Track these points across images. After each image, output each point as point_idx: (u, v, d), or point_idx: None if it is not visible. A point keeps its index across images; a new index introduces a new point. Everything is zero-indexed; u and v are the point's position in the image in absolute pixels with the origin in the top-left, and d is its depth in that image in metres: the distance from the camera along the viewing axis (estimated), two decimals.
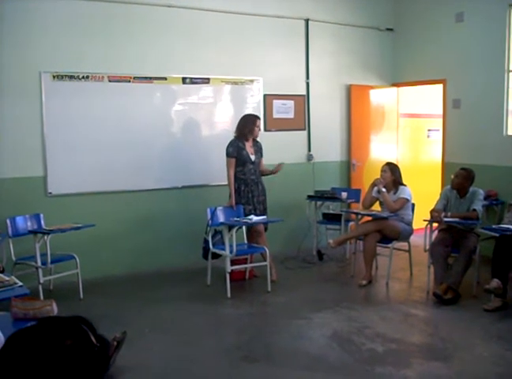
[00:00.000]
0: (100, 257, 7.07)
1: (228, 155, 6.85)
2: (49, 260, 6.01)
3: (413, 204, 7.04)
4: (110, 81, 7.10)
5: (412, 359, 4.60)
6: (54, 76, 6.76)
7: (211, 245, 6.62)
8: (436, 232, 6.63)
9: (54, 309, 3.52)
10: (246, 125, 6.92)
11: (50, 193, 6.85)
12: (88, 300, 6.15)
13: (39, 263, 5.94)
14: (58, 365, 1.32)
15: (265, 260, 6.64)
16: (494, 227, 6.18)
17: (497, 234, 6.03)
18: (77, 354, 1.35)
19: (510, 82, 7.71)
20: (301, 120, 8.63)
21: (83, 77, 6.93)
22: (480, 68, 7.97)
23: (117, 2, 7.05)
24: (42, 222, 6.51)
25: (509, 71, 7.68)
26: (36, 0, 6.61)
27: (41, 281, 5.96)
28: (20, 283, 3.91)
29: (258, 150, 7.01)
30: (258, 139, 7.08)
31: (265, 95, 8.24)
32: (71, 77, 6.86)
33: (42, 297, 5.79)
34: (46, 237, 6.05)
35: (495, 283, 5.63)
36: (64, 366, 1.33)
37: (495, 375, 4.34)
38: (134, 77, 7.24)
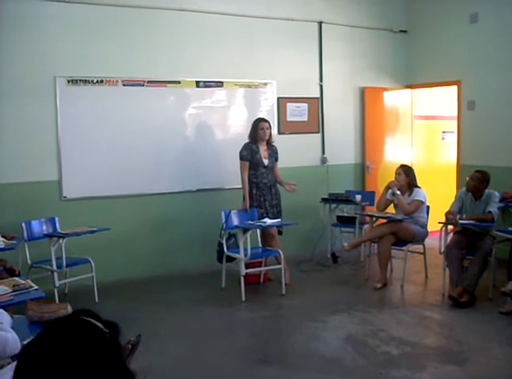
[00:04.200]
0: (115, 261, 7.10)
1: (242, 158, 6.86)
2: (64, 264, 6.04)
3: (428, 207, 7.00)
4: (124, 85, 7.14)
5: (428, 362, 4.58)
6: (68, 81, 6.80)
7: (225, 249, 6.62)
8: (451, 234, 6.60)
9: (69, 312, 3.54)
10: (252, 130, 6.95)
11: (65, 197, 6.89)
12: (103, 303, 6.18)
13: (55, 266, 5.97)
14: (76, 365, 1.32)
15: (279, 264, 6.64)
16: (510, 229, 6.12)
17: None
18: (90, 348, 1.34)
19: None
20: (315, 123, 8.62)
21: (97, 82, 6.97)
22: (495, 69, 7.92)
23: (130, 7, 7.08)
24: (57, 226, 6.54)
25: None
26: (51, 5, 6.66)
27: (56, 284, 5.99)
28: (36, 287, 3.94)
29: (273, 154, 7.00)
30: (274, 143, 7.08)
31: (278, 98, 8.24)
32: (85, 82, 6.90)
33: (57, 300, 5.80)
34: (61, 240, 6.08)
35: (511, 285, 5.59)
36: (82, 363, 1.33)
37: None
38: (148, 81, 7.27)
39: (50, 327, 1.41)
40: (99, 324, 1.42)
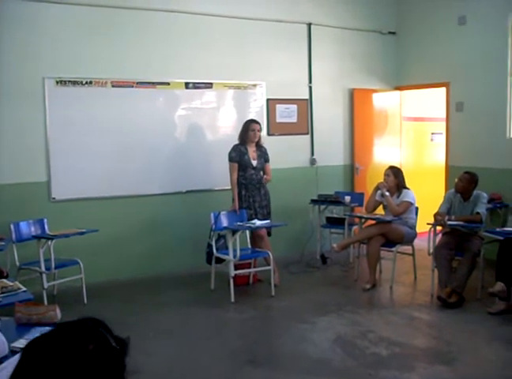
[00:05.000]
0: (104, 262, 7.08)
1: (230, 160, 6.87)
2: (53, 266, 6.01)
3: (417, 208, 7.03)
4: (113, 86, 7.12)
5: (417, 363, 4.60)
6: (57, 82, 6.78)
7: (215, 250, 6.62)
8: (440, 235, 6.63)
9: (57, 314, 3.52)
10: (243, 131, 6.96)
11: (54, 198, 6.86)
12: (92, 305, 6.16)
13: (43, 268, 5.94)
14: (83, 371, 1.32)
15: (268, 265, 6.64)
16: (498, 230, 6.18)
17: (501, 238, 6.03)
18: (100, 359, 1.34)
19: None
20: (304, 124, 8.63)
21: (86, 83, 6.95)
22: (483, 71, 7.97)
23: (120, 8, 7.07)
24: (46, 227, 6.51)
25: (511, 74, 7.67)
26: (39, 6, 6.63)
27: (45, 286, 5.96)
28: (24, 288, 3.92)
29: (262, 155, 7.01)
30: (264, 144, 7.09)
31: (268, 100, 8.24)
32: (74, 83, 6.88)
33: (46, 302, 5.77)
34: (50, 242, 6.06)
35: (499, 286, 5.61)
36: (89, 372, 1.32)
37: (500, 378, 4.33)
38: (137, 82, 7.26)
39: (66, 328, 1.40)
40: (111, 340, 1.41)
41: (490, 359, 4.67)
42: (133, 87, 7.25)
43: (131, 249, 7.31)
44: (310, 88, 8.66)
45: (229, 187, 6.96)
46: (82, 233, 6.22)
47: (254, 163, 6.91)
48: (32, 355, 1.32)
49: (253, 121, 7.05)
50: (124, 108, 7.22)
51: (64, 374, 1.28)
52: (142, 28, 7.27)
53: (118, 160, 7.19)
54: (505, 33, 7.64)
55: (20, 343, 2.98)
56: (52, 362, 1.28)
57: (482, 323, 5.49)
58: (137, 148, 7.29)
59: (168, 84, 7.47)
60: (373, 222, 7.02)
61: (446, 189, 8.15)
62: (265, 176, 7.02)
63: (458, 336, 5.18)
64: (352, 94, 9.00)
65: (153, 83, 7.37)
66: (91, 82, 6.98)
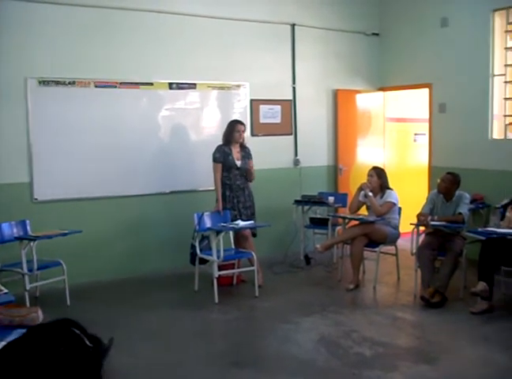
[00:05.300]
0: (87, 263, 7.03)
1: (214, 160, 6.86)
2: (35, 267, 5.96)
3: (400, 208, 7.06)
4: (96, 87, 7.09)
5: (400, 362, 4.62)
6: (39, 82, 6.74)
7: (198, 251, 6.60)
8: (423, 236, 6.66)
9: (39, 316, 3.49)
10: (227, 131, 6.95)
11: (36, 199, 6.82)
12: (75, 306, 6.11)
13: (25, 270, 5.90)
14: (56, 373, 1.31)
15: (252, 265, 6.64)
16: (480, 230, 6.21)
17: (483, 238, 6.08)
18: (73, 359, 1.33)
19: (495, 86, 7.77)
20: (288, 125, 8.65)
21: (69, 83, 6.91)
22: (465, 72, 8.03)
23: (102, 8, 7.03)
24: (28, 228, 6.45)
25: (493, 75, 7.73)
26: (22, 5, 6.58)
27: (27, 288, 5.92)
28: (6, 290, 3.88)
29: (246, 155, 7.00)
30: (247, 144, 7.09)
31: (251, 100, 8.24)
32: (57, 83, 6.84)
33: (28, 304, 5.75)
34: (32, 243, 6.01)
35: (481, 285, 5.66)
36: (62, 373, 1.31)
37: (482, 377, 4.38)
38: (121, 83, 7.23)
39: (37, 331, 1.39)
40: (85, 339, 1.41)
41: (472, 358, 4.71)
42: (116, 87, 7.22)
43: (114, 250, 7.28)
44: (294, 88, 8.67)
45: (213, 188, 6.95)
46: (65, 234, 6.19)
47: (238, 163, 6.90)
48: (4, 361, 1.32)
49: (238, 122, 7.04)
50: (107, 108, 7.19)
51: (37, 377, 1.27)
52: (126, 29, 7.24)
53: (102, 161, 7.16)
54: (486, 35, 7.69)
55: (1, 345, 2.95)
56: (24, 366, 1.28)
57: (464, 322, 5.53)
58: (120, 149, 7.27)
59: (152, 84, 7.45)
60: (356, 222, 7.04)
61: (429, 189, 8.18)
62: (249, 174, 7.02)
63: (441, 336, 5.22)
64: (335, 95, 9.02)
65: (137, 83, 7.35)
66: (74, 82, 6.94)
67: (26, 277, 5.92)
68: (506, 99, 7.73)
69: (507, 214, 6.25)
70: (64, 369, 1.30)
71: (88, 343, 1.40)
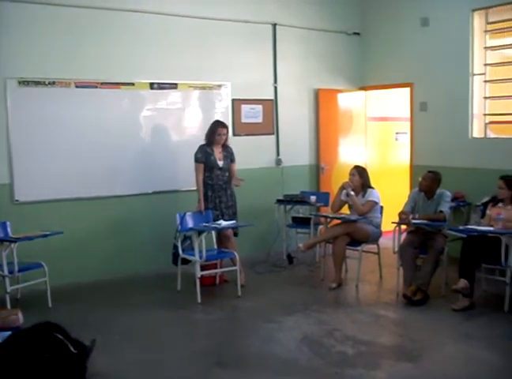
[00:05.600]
0: (69, 265, 6.99)
1: (196, 160, 6.84)
2: (16, 269, 5.92)
3: (382, 207, 7.08)
4: (77, 87, 7.04)
5: (382, 360, 4.65)
6: (19, 82, 6.68)
7: (180, 251, 6.59)
8: (405, 234, 6.69)
9: (19, 318, 3.49)
10: (209, 132, 6.93)
11: (17, 200, 6.76)
12: (57, 308, 6.08)
13: (6, 272, 5.85)
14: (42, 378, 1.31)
15: (234, 265, 6.64)
16: (461, 228, 6.25)
17: (464, 235, 6.13)
18: (57, 365, 1.33)
19: (475, 85, 7.82)
20: (269, 124, 8.65)
21: (49, 83, 6.86)
22: (446, 71, 8.08)
23: (83, 7, 6.98)
24: (8, 230, 6.39)
25: (473, 74, 7.79)
26: (0, 5, 6.53)
27: (8, 290, 5.86)
28: None
29: (228, 155, 6.99)
30: (230, 144, 7.08)
31: (233, 100, 8.24)
32: (37, 83, 6.79)
33: (9, 306, 5.70)
34: (13, 245, 5.96)
35: (463, 283, 5.71)
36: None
37: (464, 373, 4.40)
38: (102, 83, 7.19)
39: (20, 338, 1.39)
40: (69, 345, 1.41)
41: (454, 355, 4.74)
42: (97, 87, 7.18)
43: (97, 251, 7.24)
44: (276, 88, 8.68)
45: (195, 188, 6.93)
46: (46, 235, 6.14)
47: (221, 163, 6.89)
48: None
49: (220, 124, 6.99)
50: (88, 109, 7.14)
51: None
52: (107, 29, 7.20)
53: (83, 161, 7.12)
54: (466, 35, 7.75)
55: None
56: (9, 373, 1.28)
57: (446, 320, 5.58)
58: (102, 149, 7.23)
59: (133, 84, 7.42)
60: (338, 221, 7.06)
61: (411, 188, 8.22)
62: (233, 180, 6.99)
63: (423, 333, 5.25)
64: (317, 94, 9.04)
65: (118, 83, 7.31)
66: (54, 82, 6.89)
67: (7, 279, 5.87)
68: (485, 98, 7.80)
69: (488, 212, 6.30)
70: (49, 376, 1.30)
71: (72, 349, 1.40)
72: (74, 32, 6.99)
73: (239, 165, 7.18)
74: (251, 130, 8.44)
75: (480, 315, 5.66)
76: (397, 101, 9.62)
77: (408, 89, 8.77)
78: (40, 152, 6.86)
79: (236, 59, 8.22)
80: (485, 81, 7.76)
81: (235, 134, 8.11)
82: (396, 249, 6.54)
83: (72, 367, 1.21)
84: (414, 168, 8.60)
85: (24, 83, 6.72)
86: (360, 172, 7.04)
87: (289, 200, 8.10)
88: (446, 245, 6.37)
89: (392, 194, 8.17)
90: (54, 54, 6.87)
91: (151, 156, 7.57)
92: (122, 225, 7.42)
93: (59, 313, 5.81)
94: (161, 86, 7.63)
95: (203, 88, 7.96)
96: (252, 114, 8.45)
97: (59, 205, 6.99)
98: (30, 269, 6.19)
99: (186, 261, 6.65)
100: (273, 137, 8.71)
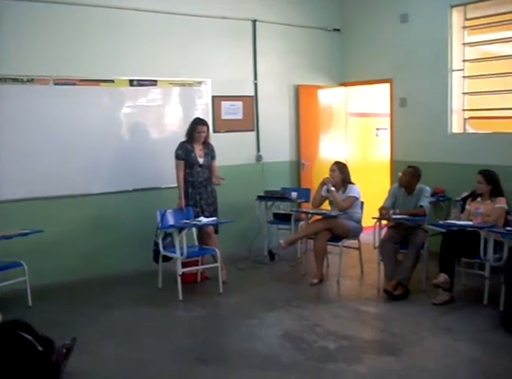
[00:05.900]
0: (49, 263, 6.93)
1: (177, 157, 6.82)
2: None
3: (362, 203, 7.11)
4: (55, 84, 6.98)
5: (364, 355, 4.67)
6: None
7: (161, 248, 6.57)
8: (385, 229, 6.72)
9: None
10: (190, 129, 6.91)
11: None
12: (37, 307, 6.03)
13: None
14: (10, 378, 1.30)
15: (216, 262, 6.63)
16: (441, 222, 6.30)
17: (444, 230, 6.17)
18: (24, 363, 1.32)
19: (454, 81, 7.87)
20: (250, 121, 8.66)
21: (27, 80, 6.80)
22: (425, 67, 8.13)
23: (62, 3, 6.93)
24: None
25: (452, 70, 7.84)
26: None
27: None
28: None
29: (209, 152, 6.97)
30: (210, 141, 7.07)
31: (213, 97, 8.22)
32: (14, 80, 6.71)
33: None
34: None
35: (443, 277, 5.76)
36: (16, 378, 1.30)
37: (444, 366, 4.43)
38: (81, 80, 7.14)
39: None
40: (35, 342, 1.39)
41: (434, 349, 4.77)
42: (76, 84, 7.12)
43: (77, 249, 7.20)
44: (256, 84, 8.68)
45: (176, 185, 6.91)
46: (26, 234, 6.09)
47: (201, 160, 6.87)
48: None
49: (200, 122, 6.95)
50: (67, 106, 7.08)
51: None
52: (85, 25, 7.14)
53: (63, 159, 7.07)
54: (445, 31, 7.80)
55: None
56: None
57: (427, 314, 5.62)
58: (81, 147, 7.18)
59: (112, 81, 7.38)
60: (319, 217, 7.08)
61: (391, 183, 8.27)
62: (214, 179, 6.98)
63: (404, 328, 5.27)
64: (297, 90, 9.05)
65: (97, 80, 7.26)
66: (32, 80, 6.83)
67: None
68: (464, 93, 7.85)
69: (467, 206, 6.35)
70: (16, 375, 1.29)
71: (39, 347, 1.39)
72: (52, 29, 6.93)
73: (219, 162, 7.17)
74: (231, 127, 8.43)
75: (460, 308, 5.71)
76: (377, 97, 9.67)
77: (387, 85, 8.81)
78: (19, 150, 6.79)
79: (216, 56, 8.21)
80: (464, 77, 7.82)
81: (215, 131, 8.09)
82: (376, 245, 6.57)
83: (39, 365, 1.20)
84: (394, 164, 8.64)
85: (1, 80, 6.64)
86: (341, 168, 7.07)
87: (270, 197, 8.12)
88: (427, 240, 6.41)
89: (372, 190, 8.22)
90: (32, 51, 6.79)
91: (131, 153, 7.53)
92: (102, 223, 7.38)
93: (39, 312, 5.78)
94: (141, 83, 7.59)
95: (183, 84, 7.94)
96: (232, 111, 8.44)
97: (39, 203, 6.93)
98: (9, 268, 6.12)
99: (167, 259, 6.63)
100: (254, 134, 8.71)
